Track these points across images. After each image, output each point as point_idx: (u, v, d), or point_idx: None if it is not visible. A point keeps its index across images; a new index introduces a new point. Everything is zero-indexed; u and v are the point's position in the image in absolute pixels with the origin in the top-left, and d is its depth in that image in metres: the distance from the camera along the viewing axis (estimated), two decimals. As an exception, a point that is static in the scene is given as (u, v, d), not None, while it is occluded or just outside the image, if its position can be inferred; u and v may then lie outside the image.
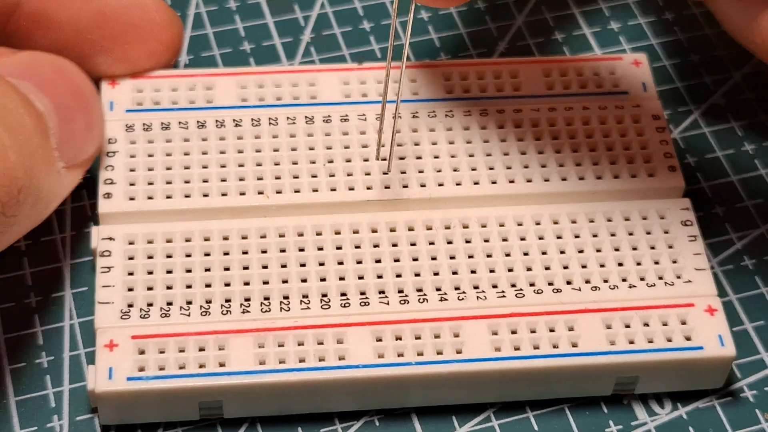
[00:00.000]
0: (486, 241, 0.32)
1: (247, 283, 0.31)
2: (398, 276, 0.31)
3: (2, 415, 0.30)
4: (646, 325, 0.30)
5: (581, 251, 0.31)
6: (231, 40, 0.38)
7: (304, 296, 0.30)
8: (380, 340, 0.30)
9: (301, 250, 0.31)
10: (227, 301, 0.30)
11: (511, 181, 0.32)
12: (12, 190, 0.28)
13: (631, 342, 0.30)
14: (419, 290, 0.31)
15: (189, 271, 0.31)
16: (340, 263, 0.31)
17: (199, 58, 0.37)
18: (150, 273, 0.31)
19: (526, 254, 0.31)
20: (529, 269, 0.31)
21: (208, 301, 0.30)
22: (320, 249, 0.31)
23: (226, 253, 0.31)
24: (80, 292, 0.32)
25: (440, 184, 0.32)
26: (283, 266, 0.31)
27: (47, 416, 0.31)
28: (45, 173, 0.29)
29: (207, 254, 0.31)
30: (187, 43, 0.38)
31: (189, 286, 0.30)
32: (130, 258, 0.31)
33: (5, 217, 0.28)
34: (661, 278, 0.31)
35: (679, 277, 0.31)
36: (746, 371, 0.32)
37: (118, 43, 0.33)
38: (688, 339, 0.30)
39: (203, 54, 0.37)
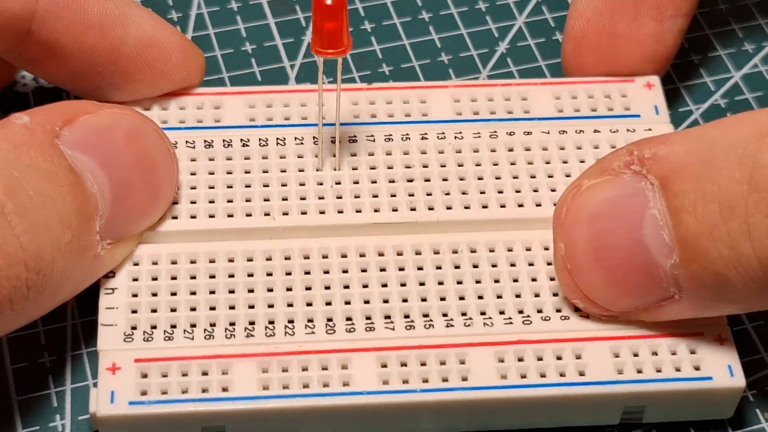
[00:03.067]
0: (494, 266, 0.31)
1: (251, 307, 0.30)
2: (404, 301, 0.31)
3: (5, 415, 0.30)
4: (655, 354, 0.30)
5: (590, 277, 0.31)
6: (233, 41, 0.38)
7: (309, 320, 0.30)
8: (385, 366, 0.30)
9: (307, 273, 0.31)
10: (231, 324, 0.30)
11: (520, 205, 0.32)
12: (20, 286, 0.27)
13: (639, 371, 0.30)
14: (425, 315, 0.30)
15: (193, 293, 0.30)
16: (346, 287, 0.31)
17: (201, 59, 0.38)
18: (154, 295, 0.30)
19: (534, 280, 0.31)
20: (537, 295, 0.31)
21: (212, 325, 0.30)
22: (326, 272, 0.31)
23: (231, 276, 0.31)
24: (82, 292, 0.32)
25: (448, 207, 0.32)
26: (289, 289, 0.31)
27: (49, 416, 0.31)
28: (75, 262, 0.28)
29: (212, 276, 0.31)
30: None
31: (193, 309, 0.30)
32: (135, 279, 0.31)
33: (12, 311, 0.27)
34: (670, 306, 0.31)
35: (688, 305, 0.31)
36: (746, 371, 0.31)
37: (130, 81, 0.32)
38: (697, 369, 0.30)
39: (205, 55, 0.37)
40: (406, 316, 0.30)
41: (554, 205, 0.32)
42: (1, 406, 0.31)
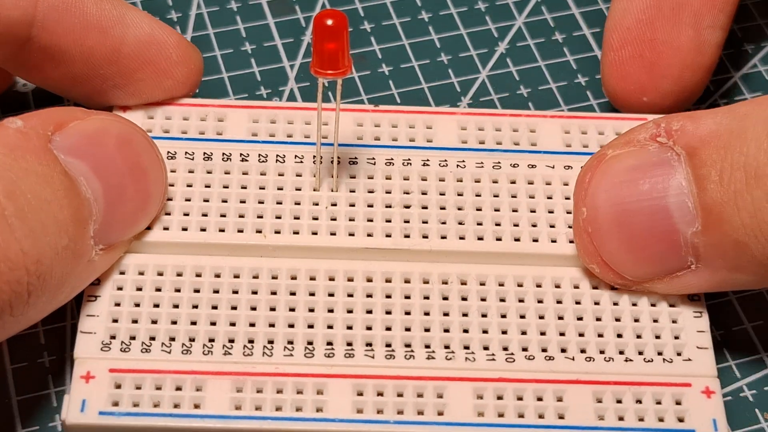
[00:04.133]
0: (483, 300, 0.31)
1: (233, 324, 0.30)
2: (387, 329, 0.30)
3: (4, 415, 0.30)
4: (639, 401, 0.29)
5: (580, 318, 0.30)
6: (232, 41, 0.38)
7: (288, 342, 0.30)
8: (361, 394, 0.29)
9: (292, 294, 0.31)
10: (210, 340, 0.30)
11: (517, 239, 0.32)
12: (21, 291, 0.27)
13: (621, 419, 0.29)
14: (407, 346, 0.30)
15: (176, 306, 0.30)
16: (330, 311, 0.30)
17: (201, 59, 0.38)
18: (137, 305, 0.30)
19: (522, 317, 0.30)
20: (523, 333, 0.30)
21: (191, 339, 0.30)
22: (311, 294, 0.31)
23: (216, 291, 0.30)
24: (81, 292, 0.32)
25: (443, 237, 0.31)
26: (272, 309, 0.30)
27: (49, 415, 0.31)
28: (72, 266, 0.28)
29: (196, 290, 0.30)
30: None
31: (174, 322, 0.30)
32: (119, 288, 0.30)
33: (12, 317, 0.27)
34: (660, 354, 0.30)
35: (679, 354, 0.30)
36: (746, 371, 0.31)
37: (132, 80, 0.32)
38: (681, 420, 0.29)
39: (205, 55, 0.37)
40: (388, 345, 0.30)
41: (552, 241, 0.31)
42: (1, 406, 0.31)
